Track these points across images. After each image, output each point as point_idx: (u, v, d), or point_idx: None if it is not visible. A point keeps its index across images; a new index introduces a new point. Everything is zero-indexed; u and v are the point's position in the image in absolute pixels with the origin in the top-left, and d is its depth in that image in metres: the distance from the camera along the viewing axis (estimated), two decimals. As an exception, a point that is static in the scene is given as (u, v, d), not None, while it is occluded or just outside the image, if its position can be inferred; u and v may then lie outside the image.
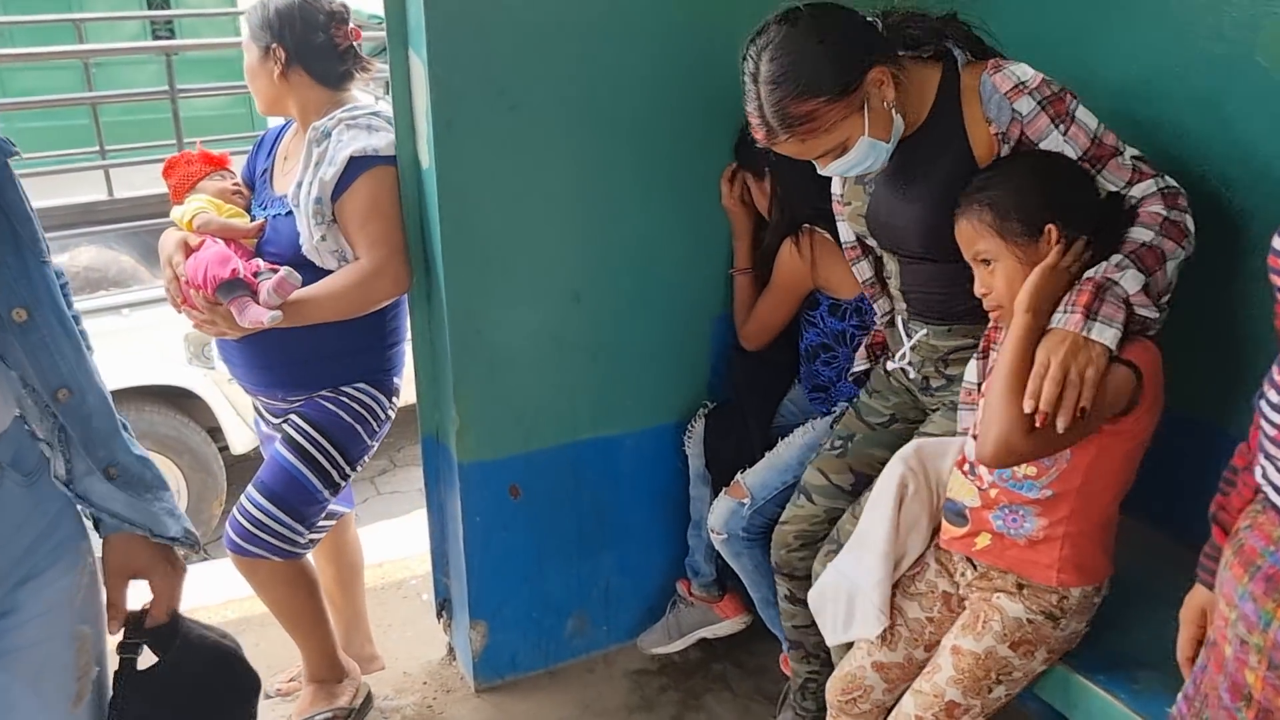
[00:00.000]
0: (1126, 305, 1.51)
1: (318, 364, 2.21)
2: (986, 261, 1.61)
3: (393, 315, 2.29)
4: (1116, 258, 1.55)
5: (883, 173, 1.83)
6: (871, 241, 1.95)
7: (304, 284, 2.05)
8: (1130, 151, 1.67)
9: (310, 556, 2.35)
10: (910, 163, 1.75)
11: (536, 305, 2.28)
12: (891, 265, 1.94)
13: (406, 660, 2.71)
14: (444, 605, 2.62)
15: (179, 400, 4.12)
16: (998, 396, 1.53)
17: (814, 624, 2.02)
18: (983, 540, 1.69)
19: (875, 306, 2.04)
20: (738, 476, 2.29)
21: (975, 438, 1.62)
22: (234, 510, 2.21)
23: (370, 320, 2.20)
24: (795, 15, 1.63)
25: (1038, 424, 1.47)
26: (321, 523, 2.31)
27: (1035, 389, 1.47)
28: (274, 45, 2.11)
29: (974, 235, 1.61)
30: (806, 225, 2.17)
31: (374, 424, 2.27)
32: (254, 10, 2.14)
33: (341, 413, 2.22)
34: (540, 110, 2.14)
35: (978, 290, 1.64)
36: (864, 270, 2.03)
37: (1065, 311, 1.52)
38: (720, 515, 2.26)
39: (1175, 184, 1.63)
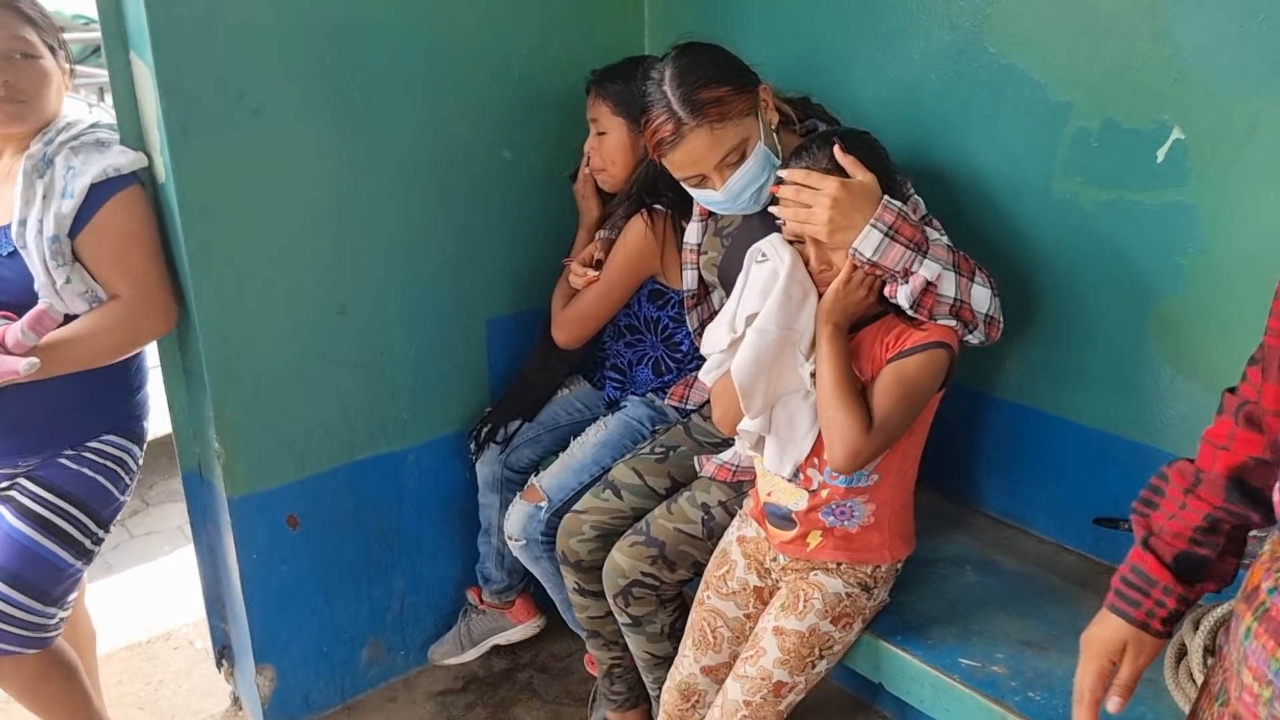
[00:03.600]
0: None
1: (59, 421, 1.94)
2: None
3: (138, 353, 2.07)
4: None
5: (740, 227, 1.86)
6: (720, 294, 1.97)
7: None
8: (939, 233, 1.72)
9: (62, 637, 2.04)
10: (768, 220, 1.72)
11: (300, 322, 2.14)
12: None
13: (186, 716, 2.49)
14: (223, 652, 2.43)
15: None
16: (829, 407, 1.56)
17: (609, 613, 2.02)
18: (815, 539, 1.72)
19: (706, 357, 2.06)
20: (532, 480, 2.24)
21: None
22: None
23: (114, 366, 1.97)
24: (690, 42, 1.77)
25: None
26: (72, 597, 2.01)
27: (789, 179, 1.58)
28: None
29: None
30: (660, 207, 2.09)
31: (126, 478, 2.05)
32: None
33: (86, 470, 1.97)
34: (285, 113, 2.01)
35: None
36: (693, 320, 2.06)
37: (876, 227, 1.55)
38: (517, 521, 2.20)
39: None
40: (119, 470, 2.02)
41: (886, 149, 1.65)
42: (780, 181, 1.61)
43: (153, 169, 1.96)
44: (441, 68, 2.20)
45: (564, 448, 2.31)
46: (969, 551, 1.99)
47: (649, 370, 2.26)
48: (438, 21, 2.17)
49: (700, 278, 2.02)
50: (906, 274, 1.55)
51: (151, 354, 2.13)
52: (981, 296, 1.61)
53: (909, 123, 2.01)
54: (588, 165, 2.24)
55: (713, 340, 1.73)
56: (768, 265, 1.64)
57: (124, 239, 1.89)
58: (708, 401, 2.17)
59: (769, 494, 1.76)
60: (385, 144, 2.16)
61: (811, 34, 2.16)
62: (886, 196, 1.55)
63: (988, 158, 1.91)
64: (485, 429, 2.38)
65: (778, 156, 1.74)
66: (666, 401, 2.22)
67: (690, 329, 2.10)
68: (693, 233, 2.01)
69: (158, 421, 2.16)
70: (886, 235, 1.52)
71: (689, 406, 2.20)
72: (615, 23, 2.48)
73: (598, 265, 2.15)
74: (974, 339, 1.65)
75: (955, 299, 1.57)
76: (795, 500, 1.72)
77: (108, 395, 2.01)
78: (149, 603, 3.00)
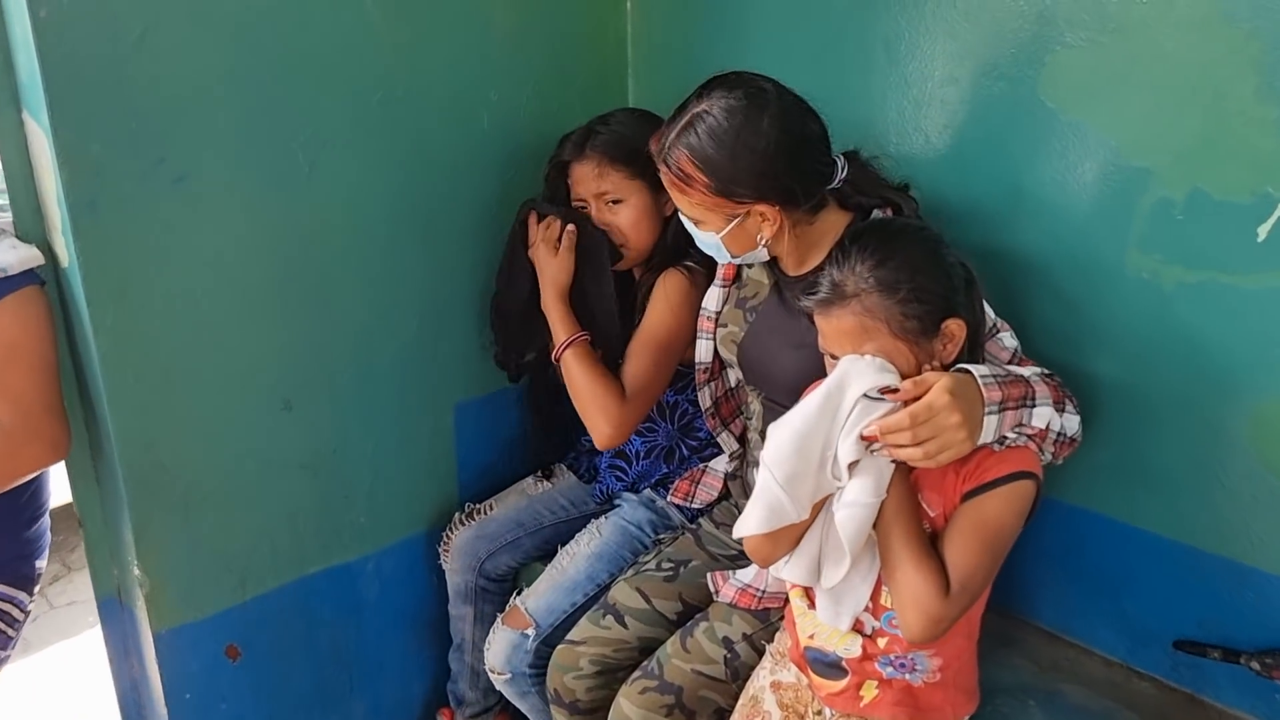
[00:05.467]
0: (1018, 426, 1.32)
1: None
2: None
3: (35, 479, 1.74)
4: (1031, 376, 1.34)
5: (766, 303, 1.64)
6: (735, 373, 1.72)
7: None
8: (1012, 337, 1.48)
9: None
10: (796, 303, 1.49)
11: (237, 422, 1.81)
12: (755, 405, 1.69)
13: None
14: (152, 802, 2.08)
15: None
16: (898, 566, 1.28)
17: None
18: (870, 691, 1.43)
19: (720, 441, 1.77)
20: (514, 601, 1.93)
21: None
22: None
23: (2, 498, 1.66)
24: (766, 101, 1.47)
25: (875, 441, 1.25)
26: None
27: (887, 429, 1.23)
28: None
29: (858, 333, 1.29)
30: (694, 264, 1.82)
31: (9, 630, 1.74)
32: None
33: None
34: (215, 179, 1.68)
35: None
36: (705, 398, 1.79)
37: (993, 377, 1.28)
38: (500, 651, 1.89)
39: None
40: (1, 625, 1.69)
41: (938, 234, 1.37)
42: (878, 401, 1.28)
43: (53, 253, 1.62)
44: (400, 118, 1.89)
45: (547, 554, 2.01)
46: (1030, 680, 1.72)
47: (660, 461, 1.96)
48: (395, 64, 1.86)
49: (716, 351, 1.75)
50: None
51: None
52: (1072, 424, 1.37)
53: (948, 186, 1.74)
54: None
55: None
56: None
57: (4, 353, 1.57)
58: (717, 501, 1.90)
59: (811, 636, 1.47)
60: (334, 210, 1.84)
61: (823, 78, 1.86)
62: (980, 374, 1.27)
63: (1047, 229, 1.65)
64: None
65: (736, 255, 1.58)
66: (670, 499, 1.93)
67: (702, 407, 1.82)
68: (712, 298, 1.75)
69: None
70: (1000, 412, 1.27)
71: (695, 506, 1.92)
72: (595, 67, 2.20)
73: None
74: (1042, 457, 1.39)
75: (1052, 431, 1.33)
76: (846, 646, 1.43)
77: (-2, 533, 1.68)
78: (71, 685, 2.68)
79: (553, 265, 1.87)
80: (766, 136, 1.46)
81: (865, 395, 1.24)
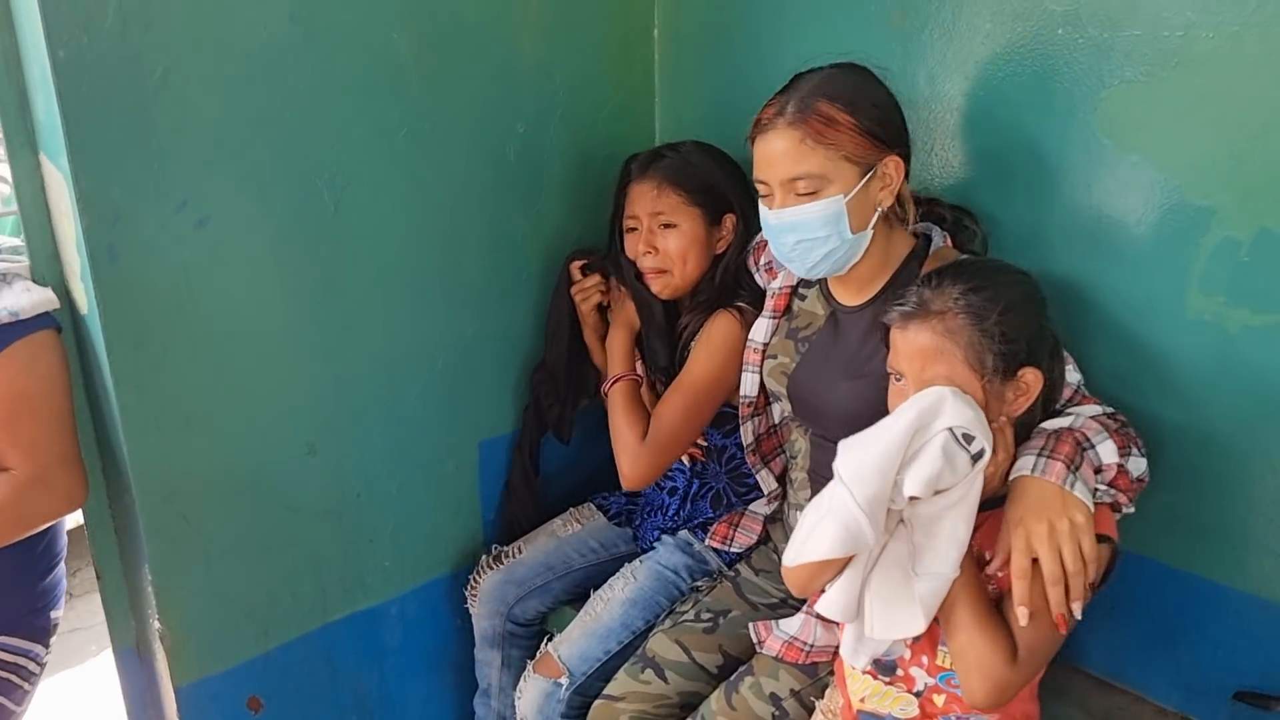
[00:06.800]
0: (1095, 473, 1.27)
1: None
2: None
3: (50, 529, 1.68)
4: (1084, 415, 1.30)
5: (820, 334, 1.58)
6: (784, 406, 1.66)
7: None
8: (1075, 371, 1.44)
9: None
10: (855, 334, 1.46)
11: (260, 469, 1.75)
12: (801, 443, 1.63)
13: None
14: None
15: None
16: (961, 630, 1.23)
17: None
18: None
19: (759, 480, 1.71)
20: (546, 648, 1.87)
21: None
22: None
23: (16, 546, 1.59)
24: (868, 72, 1.51)
25: (1061, 630, 1.19)
26: None
27: (1030, 597, 1.18)
28: None
29: (932, 353, 1.25)
30: (744, 305, 1.79)
31: (25, 685, 1.68)
32: None
33: None
34: (238, 222, 1.62)
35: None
36: (748, 434, 1.74)
37: (1039, 456, 1.23)
38: (532, 701, 1.83)
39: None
40: (13, 679, 1.64)
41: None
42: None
43: (71, 299, 1.56)
44: (425, 153, 1.83)
45: (577, 597, 1.95)
46: (1083, 732, 1.67)
47: (706, 504, 1.90)
48: (421, 99, 1.81)
49: (762, 384, 1.70)
50: None
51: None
52: (1139, 466, 1.31)
53: (998, 222, 1.69)
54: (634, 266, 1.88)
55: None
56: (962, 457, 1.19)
57: (14, 403, 1.50)
58: (756, 546, 1.84)
59: (862, 700, 1.42)
60: (359, 249, 1.78)
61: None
62: (1029, 465, 1.25)
63: (1104, 266, 1.59)
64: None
65: (852, 232, 1.46)
66: (707, 543, 1.87)
67: (744, 443, 1.77)
68: (760, 330, 1.70)
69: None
70: (1075, 472, 1.24)
71: (733, 550, 1.86)
72: (622, 98, 2.14)
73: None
74: (1128, 509, 1.34)
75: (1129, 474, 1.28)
76: (902, 707, 1.38)
77: (10, 585, 1.65)
78: (75, 715, 2.62)
79: (629, 307, 1.90)
80: (883, 89, 1.49)
81: (951, 431, 1.17)
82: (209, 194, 1.58)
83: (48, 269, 1.56)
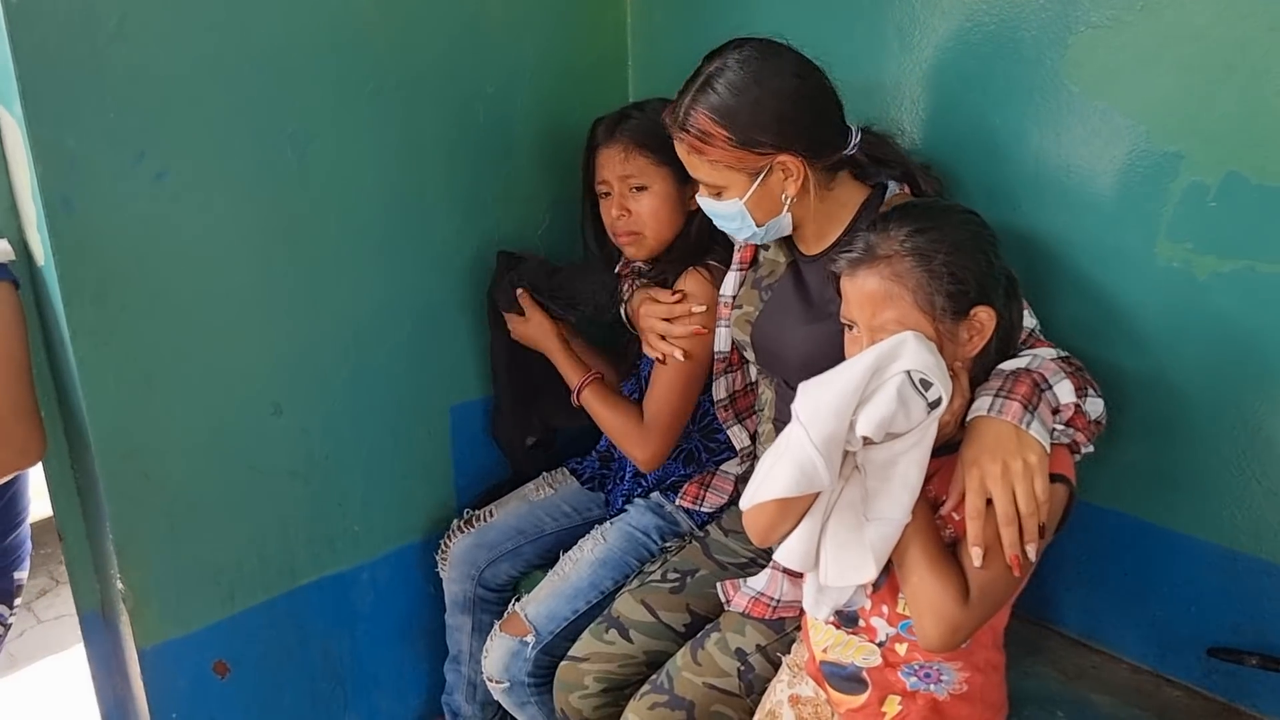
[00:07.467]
0: (1053, 414, 1.24)
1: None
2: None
3: (11, 486, 1.65)
4: (1042, 357, 1.27)
5: (781, 281, 1.58)
6: (749, 355, 1.65)
7: None
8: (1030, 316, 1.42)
9: None
10: (815, 281, 1.47)
11: (224, 428, 1.73)
12: (767, 393, 1.62)
13: None
14: (139, 824, 2.00)
15: None
16: (913, 572, 1.21)
17: None
18: (893, 706, 1.35)
19: (729, 435, 1.70)
20: (514, 606, 1.85)
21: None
22: None
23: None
24: (780, 50, 1.46)
25: (1016, 572, 1.17)
26: None
27: (983, 536, 1.16)
28: None
29: (881, 297, 1.23)
30: (715, 262, 1.78)
31: None
32: None
33: None
34: (198, 175, 1.61)
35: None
36: (720, 389, 1.73)
37: (996, 396, 1.21)
38: (498, 659, 1.81)
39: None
40: None
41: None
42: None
43: (28, 249, 1.54)
44: (393, 111, 1.82)
45: (549, 562, 1.93)
46: (1055, 689, 1.65)
47: (679, 463, 1.89)
48: (388, 55, 1.79)
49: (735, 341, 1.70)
50: None
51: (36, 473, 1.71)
52: (1096, 408, 1.30)
53: (965, 169, 1.67)
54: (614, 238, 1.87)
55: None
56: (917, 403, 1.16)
57: None
58: (727, 506, 1.82)
59: (825, 650, 1.40)
60: (325, 207, 1.77)
61: (833, 64, 1.76)
62: (985, 406, 1.23)
63: (1071, 215, 1.57)
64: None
65: (759, 224, 1.49)
66: (677, 503, 1.86)
67: (715, 398, 1.75)
68: (729, 284, 1.69)
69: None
70: (1033, 412, 1.22)
71: (704, 510, 1.84)
72: (594, 58, 2.13)
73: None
74: (1087, 448, 1.32)
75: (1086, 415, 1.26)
76: (864, 656, 1.36)
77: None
78: (59, 702, 2.59)
79: (531, 327, 1.92)
80: (784, 80, 1.43)
81: (908, 374, 1.15)
82: (168, 146, 1.56)
83: (5, 221, 1.54)
